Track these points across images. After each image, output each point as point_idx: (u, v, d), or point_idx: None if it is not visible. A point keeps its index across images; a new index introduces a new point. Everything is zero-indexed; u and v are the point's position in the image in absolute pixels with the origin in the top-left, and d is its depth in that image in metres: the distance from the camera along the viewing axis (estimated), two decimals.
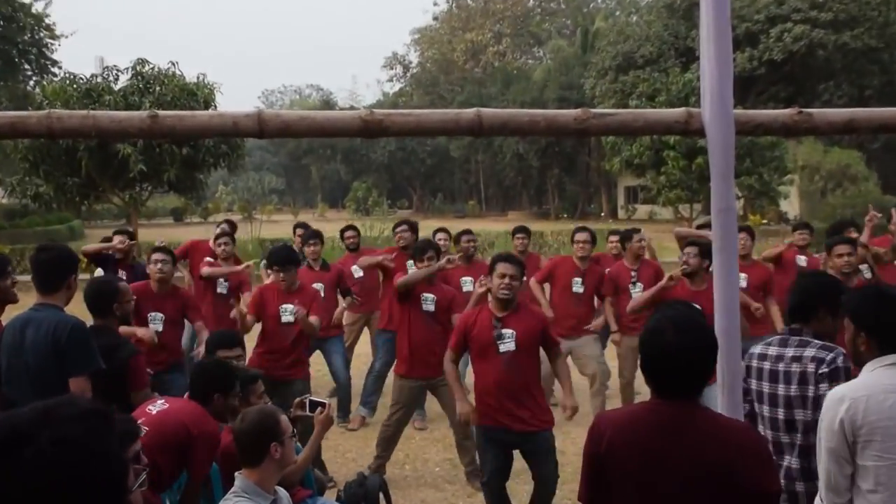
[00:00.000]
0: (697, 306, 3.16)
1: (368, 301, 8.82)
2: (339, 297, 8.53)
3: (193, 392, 4.19)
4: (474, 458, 6.27)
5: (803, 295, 3.63)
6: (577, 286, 7.94)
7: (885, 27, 37.29)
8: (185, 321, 7.19)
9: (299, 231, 9.53)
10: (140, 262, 8.58)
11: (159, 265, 6.82)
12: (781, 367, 3.52)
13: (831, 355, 3.46)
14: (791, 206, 35.07)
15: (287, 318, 6.65)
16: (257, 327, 6.91)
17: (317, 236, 8.65)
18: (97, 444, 1.31)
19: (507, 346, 5.17)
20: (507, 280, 5.19)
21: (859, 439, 2.92)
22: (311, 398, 4.70)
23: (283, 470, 3.76)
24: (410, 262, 7.33)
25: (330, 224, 37.24)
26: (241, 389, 4.37)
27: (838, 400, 3.00)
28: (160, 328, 6.67)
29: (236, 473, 3.58)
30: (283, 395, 6.71)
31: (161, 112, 2.56)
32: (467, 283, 8.06)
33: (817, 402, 3.33)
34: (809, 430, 3.43)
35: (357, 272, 8.88)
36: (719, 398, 2.87)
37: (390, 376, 7.42)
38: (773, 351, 3.57)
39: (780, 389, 3.55)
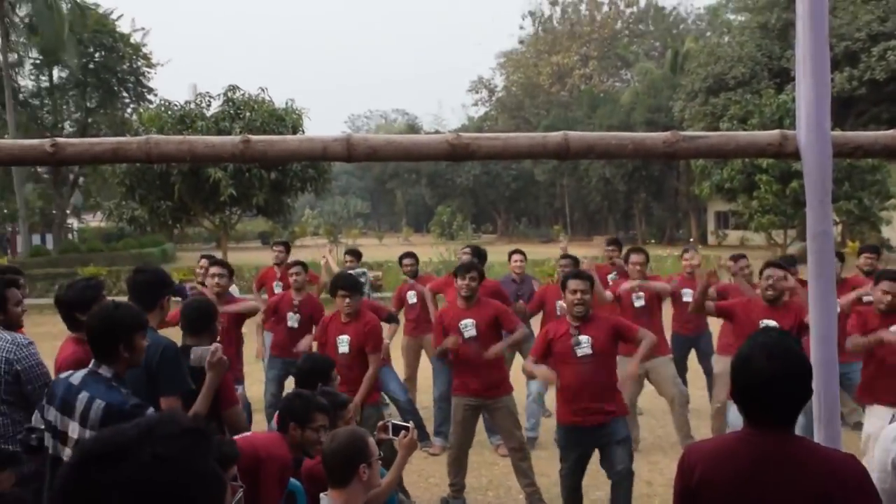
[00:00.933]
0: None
1: (419, 326, 8.93)
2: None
3: (278, 421, 4.29)
4: (533, 480, 6.59)
5: None
6: (639, 301, 8.11)
7: None
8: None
9: (348, 258, 9.87)
10: (182, 285, 8.76)
11: (216, 279, 7.03)
12: None
13: None
14: (893, 231, 33.90)
15: (343, 348, 6.71)
16: None
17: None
18: (196, 462, 1.34)
19: (584, 350, 5.74)
20: (578, 295, 5.82)
21: None
22: (394, 422, 4.69)
23: (369, 493, 3.77)
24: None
25: (416, 249, 37.54)
26: (332, 414, 4.41)
27: (893, 439, 2.94)
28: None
29: (322, 494, 3.60)
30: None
31: (253, 137, 2.62)
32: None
33: None
34: None
35: (411, 298, 8.96)
36: (816, 431, 2.77)
37: None
38: None
39: None
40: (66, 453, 3.57)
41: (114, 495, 1.25)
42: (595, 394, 5.74)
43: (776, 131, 2.87)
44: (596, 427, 5.76)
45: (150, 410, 3.61)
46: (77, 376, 3.64)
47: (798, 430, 2.79)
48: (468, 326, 6.69)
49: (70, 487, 1.30)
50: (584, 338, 5.76)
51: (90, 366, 3.66)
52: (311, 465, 4.20)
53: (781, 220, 28.93)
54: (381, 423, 4.90)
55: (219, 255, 18.51)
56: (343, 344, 6.69)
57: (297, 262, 8.74)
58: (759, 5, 43.08)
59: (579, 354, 5.72)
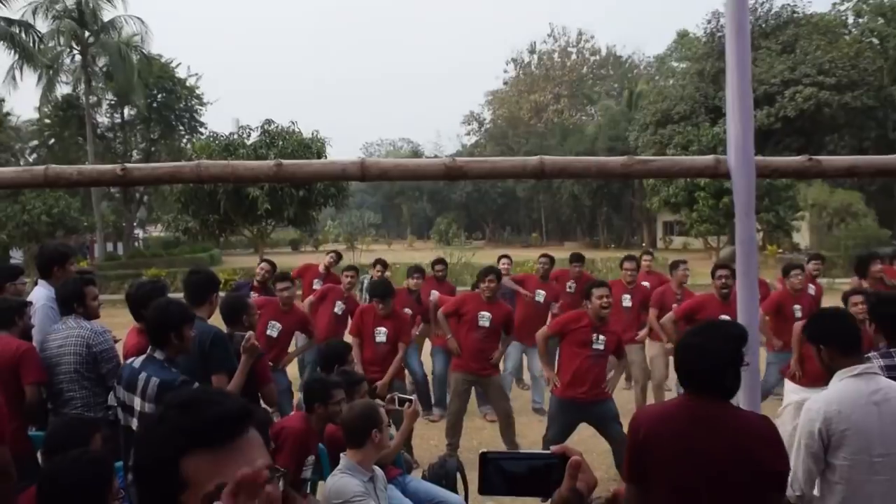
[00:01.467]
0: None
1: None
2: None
3: (304, 402, 4.35)
4: (515, 441, 6.76)
5: None
6: (626, 301, 8.33)
7: (880, 90, 37.29)
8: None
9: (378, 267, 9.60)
10: (270, 287, 8.75)
11: (285, 293, 7.13)
12: None
13: None
14: (802, 237, 34.44)
15: (380, 338, 6.82)
16: None
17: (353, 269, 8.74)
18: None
19: (599, 347, 5.88)
20: (604, 300, 5.86)
21: (832, 444, 2.97)
22: (399, 395, 4.68)
23: (381, 452, 3.78)
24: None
25: (418, 253, 37.45)
26: (349, 389, 4.43)
27: (816, 411, 3.04)
28: (275, 334, 6.92)
29: (341, 454, 3.61)
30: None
31: (285, 161, 2.63)
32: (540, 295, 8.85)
33: None
34: None
35: (433, 295, 8.82)
36: (741, 397, 2.79)
37: None
38: None
39: None
40: (133, 423, 3.60)
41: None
42: (597, 380, 5.87)
43: (711, 156, 2.90)
44: (594, 401, 5.85)
45: (196, 385, 3.65)
46: (138, 361, 3.70)
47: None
48: (485, 318, 6.83)
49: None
50: (601, 336, 5.88)
51: (148, 351, 3.72)
52: (332, 430, 4.21)
53: (716, 228, 29.28)
54: (389, 395, 4.91)
55: (256, 259, 18.52)
56: (381, 335, 6.82)
57: (351, 267, 8.77)
58: (697, 55, 43.32)
59: (594, 348, 5.82)
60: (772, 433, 2.57)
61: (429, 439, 7.55)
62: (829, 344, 3.14)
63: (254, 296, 7.39)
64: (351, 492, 3.33)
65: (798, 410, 5.23)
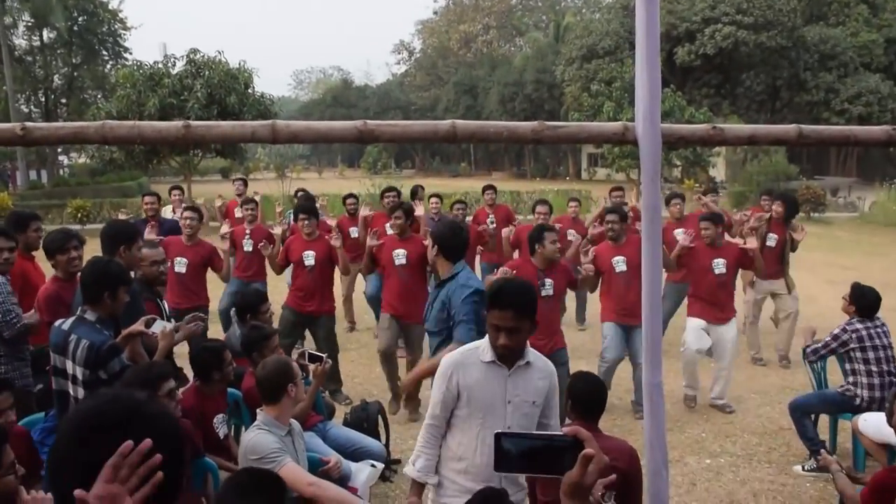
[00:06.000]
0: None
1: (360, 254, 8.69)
2: None
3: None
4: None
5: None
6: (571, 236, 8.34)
7: (793, 30, 38.04)
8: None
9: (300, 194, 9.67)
10: (168, 218, 8.47)
11: (188, 221, 6.85)
12: None
13: None
14: (718, 172, 35.27)
15: (309, 262, 6.65)
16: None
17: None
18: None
19: (547, 292, 5.66)
20: (554, 245, 5.68)
21: None
22: (311, 351, 4.55)
23: (296, 406, 3.74)
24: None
25: (348, 182, 36.98)
26: (260, 344, 4.36)
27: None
28: (184, 271, 6.74)
29: (258, 410, 3.56)
30: (313, 328, 6.72)
31: (193, 122, 2.50)
32: None
33: None
34: None
35: (353, 233, 8.80)
36: (644, 364, 2.82)
37: None
38: None
39: None
40: (69, 386, 3.52)
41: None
42: (550, 328, 5.66)
43: (619, 123, 2.88)
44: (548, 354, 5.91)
45: (123, 354, 3.53)
46: (67, 322, 3.58)
47: None
48: (399, 255, 6.57)
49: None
50: (548, 280, 5.68)
51: (78, 312, 3.58)
52: (249, 386, 4.16)
53: (635, 162, 29.63)
54: (299, 350, 4.83)
55: (185, 186, 17.96)
56: (309, 258, 6.64)
57: (250, 199, 8.54)
58: None
59: (542, 295, 5.62)
60: (636, 457, 3.07)
61: (354, 377, 7.58)
62: None
63: (155, 237, 6.78)
64: (267, 448, 3.30)
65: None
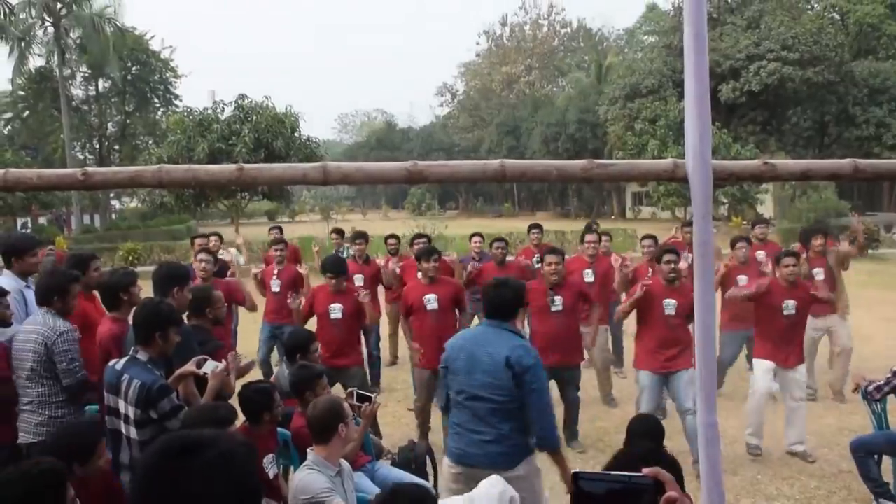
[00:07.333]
0: None
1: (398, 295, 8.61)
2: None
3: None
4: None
5: None
6: (589, 276, 7.88)
7: (841, 65, 37.47)
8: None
9: (334, 236, 9.92)
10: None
11: (203, 264, 6.55)
12: None
13: None
14: (766, 209, 34.69)
15: (335, 315, 6.40)
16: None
17: (362, 236, 8.72)
18: (250, 462, 1.37)
19: (557, 307, 6.08)
20: (553, 266, 6.16)
21: None
22: (358, 391, 4.55)
23: (347, 446, 3.74)
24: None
25: (392, 223, 37.35)
26: (310, 384, 4.36)
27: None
28: None
29: (308, 450, 3.57)
30: (343, 379, 6.61)
31: (246, 165, 2.54)
32: None
33: None
34: None
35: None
36: (699, 405, 2.77)
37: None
38: None
39: None
40: (121, 426, 3.58)
41: (184, 485, 1.24)
42: (568, 344, 6.20)
43: (670, 160, 2.85)
44: (565, 367, 6.22)
45: (174, 394, 3.58)
46: (120, 363, 3.66)
47: None
48: (430, 300, 6.34)
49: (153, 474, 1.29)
50: (557, 297, 6.13)
51: (131, 352, 3.66)
52: (299, 426, 4.16)
53: (681, 200, 29.60)
54: (348, 390, 4.81)
55: (232, 229, 18.31)
56: (335, 311, 6.40)
57: (279, 240, 8.70)
58: (665, 29, 43.18)
59: (553, 310, 6.03)
60: None
61: (401, 417, 7.54)
62: None
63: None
64: (318, 488, 3.30)
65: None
